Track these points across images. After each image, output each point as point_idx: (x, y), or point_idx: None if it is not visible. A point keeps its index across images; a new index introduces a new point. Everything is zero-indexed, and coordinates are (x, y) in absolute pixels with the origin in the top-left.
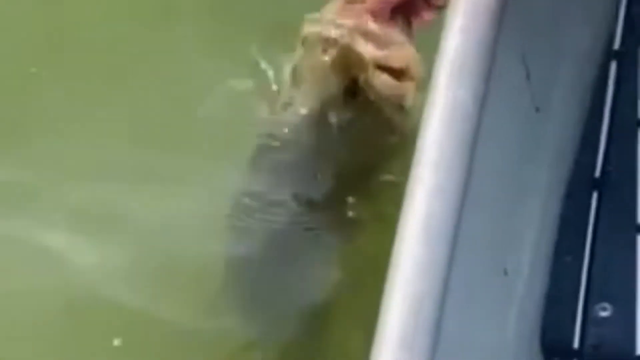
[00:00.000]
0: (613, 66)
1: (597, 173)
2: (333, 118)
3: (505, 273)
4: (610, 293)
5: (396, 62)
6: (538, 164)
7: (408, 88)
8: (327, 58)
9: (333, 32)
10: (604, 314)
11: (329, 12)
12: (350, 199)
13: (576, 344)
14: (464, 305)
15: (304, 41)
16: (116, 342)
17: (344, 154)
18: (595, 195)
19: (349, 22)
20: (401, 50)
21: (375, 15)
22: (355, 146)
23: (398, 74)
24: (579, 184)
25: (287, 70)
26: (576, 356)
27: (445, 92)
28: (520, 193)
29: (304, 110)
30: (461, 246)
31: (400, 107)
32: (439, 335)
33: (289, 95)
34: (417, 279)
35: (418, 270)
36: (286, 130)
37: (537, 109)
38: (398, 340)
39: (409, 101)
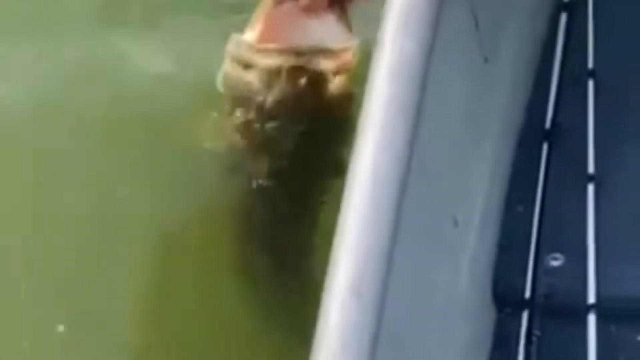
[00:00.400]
0: (563, 18)
1: (548, 124)
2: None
3: (456, 224)
4: (561, 243)
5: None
6: (488, 115)
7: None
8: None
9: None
10: (555, 263)
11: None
12: None
13: (528, 294)
14: (414, 256)
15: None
16: None
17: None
18: (545, 146)
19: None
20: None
21: (310, 9)
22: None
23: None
24: (529, 135)
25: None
26: (527, 306)
27: (392, 45)
28: (470, 144)
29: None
30: (409, 198)
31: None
32: (388, 283)
33: None
34: (365, 229)
35: (366, 220)
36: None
37: (486, 59)
38: (347, 287)
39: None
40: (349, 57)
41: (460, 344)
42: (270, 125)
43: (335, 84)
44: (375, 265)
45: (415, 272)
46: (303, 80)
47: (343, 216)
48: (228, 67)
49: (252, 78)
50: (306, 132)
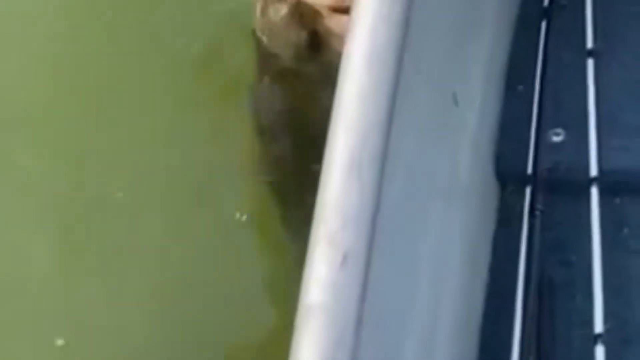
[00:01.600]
0: None
1: (546, 2)
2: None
3: (456, 103)
4: (562, 119)
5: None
6: None
7: None
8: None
9: None
10: (557, 139)
11: None
12: None
13: (530, 170)
14: (414, 135)
15: None
16: None
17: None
18: (544, 24)
19: None
20: None
21: None
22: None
23: None
24: (528, 13)
25: None
26: (530, 181)
27: None
28: (470, 23)
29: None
30: (407, 75)
31: None
32: (386, 162)
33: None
34: (362, 107)
35: (362, 98)
36: None
37: None
38: (347, 163)
39: None
40: None
41: (464, 221)
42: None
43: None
44: (375, 140)
45: (417, 150)
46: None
47: (340, 91)
48: None
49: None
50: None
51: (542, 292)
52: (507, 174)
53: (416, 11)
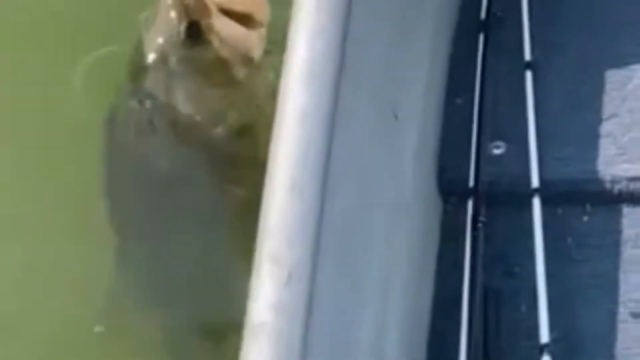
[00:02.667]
0: None
1: (483, 14)
2: (175, 64)
3: (396, 117)
4: (502, 131)
5: (241, 6)
6: (424, 9)
7: (254, 37)
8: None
9: None
10: (497, 151)
11: None
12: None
13: (472, 182)
14: (356, 152)
15: None
16: None
17: (182, 105)
18: (482, 37)
19: None
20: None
21: None
22: (196, 98)
23: (243, 20)
24: (465, 27)
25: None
26: (472, 194)
27: None
28: (407, 38)
29: (150, 55)
30: (346, 91)
31: (247, 60)
32: (327, 179)
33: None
34: (302, 125)
35: (302, 116)
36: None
37: None
38: (288, 183)
39: (255, 52)
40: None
41: (409, 234)
42: None
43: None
44: (315, 158)
45: (359, 166)
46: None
47: (280, 110)
48: None
49: None
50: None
51: (487, 304)
52: (450, 186)
53: (353, 27)
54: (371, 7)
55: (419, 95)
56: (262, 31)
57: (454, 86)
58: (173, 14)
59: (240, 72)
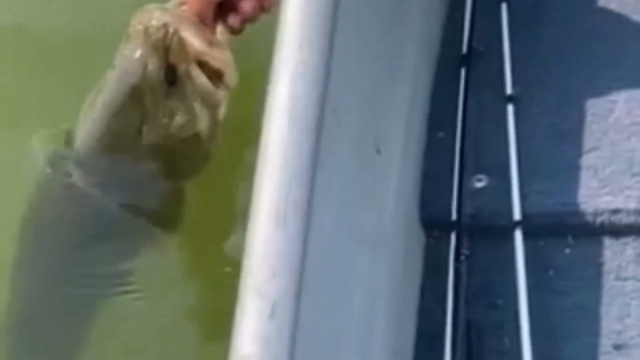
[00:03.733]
0: None
1: (464, 49)
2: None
3: (379, 152)
4: (484, 164)
5: (217, 62)
6: (405, 44)
7: (222, 96)
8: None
9: (161, 18)
10: (479, 184)
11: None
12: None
13: (454, 216)
14: (338, 185)
15: (130, 28)
16: None
17: (146, 156)
18: (463, 71)
19: (178, 12)
20: (222, 53)
21: (200, 16)
22: (159, 151)
23: (215, 77)
24: (447, 61)
25: None
26: (454, 227)
27: None
28: (388, 73)
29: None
30: (328, 127)
31: (213, 116)
32: (312, 214)
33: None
34: (285, 160)
35: (285, 153)
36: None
37: None
38: (272, 216)
39: (221, 110)
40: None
41: (391, 267)
42: None
43: None
44: (299, 191)
45: (341, 200)
46: None
47: (263, 145)
48: None
49: None
50: None
51: (470, 336)
52: (432, 220)
53: (335, 62)
54: (354, 44)
55: (401, 129)
56: (227, 94)
57: (435, 120)
58: (153, 54)
59: (204, 126)
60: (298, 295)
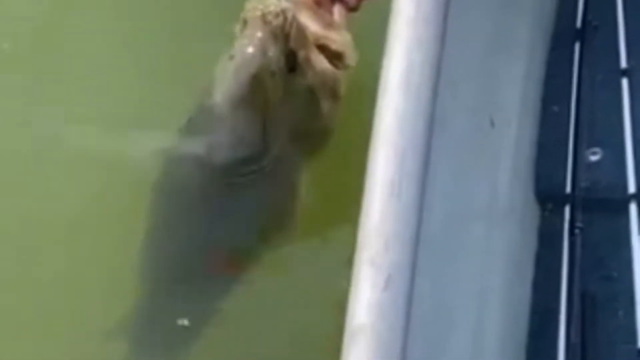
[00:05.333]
0: None
1: (579, 23)
2: (267, 91)
3: (493, 125)
4: (599, 138)
5: (336, 45)
6: (519, 19)
7: (342, 77)
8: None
9: (279, 3)
10: (594, 158)
11: None
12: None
13: (569, 189)
14: (452, 158)
15: (247, 13)
16: None
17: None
18: (577, 45)
19: None
20: (341, 34)
21: (318, 1)
22: (283, 126)
23: (334, 58)
24: (561, 35)
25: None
26: (569, 200)
27: None
28: (504, 46)
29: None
30: (443, 99)
31: (333, 95)
32: (426, 184)
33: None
34: (400, 130)
35: (400, 120)
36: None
37: None
38: (387, 192)
39: (341, 90)
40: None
41: (506, 241)
42: None
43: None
44: (414, 162)
45: (455, 173)
46: None
47: (378, 116)
48: None
49: None
50: None
51: (585, 309)
52: (546, 193)
53: (449, 36)
54: (468, 16)
55: (516, 103)
56: (348, 73)
57: (550, 94)
58: (273, 41)
59: (325, 106)
60: (412, 267)
